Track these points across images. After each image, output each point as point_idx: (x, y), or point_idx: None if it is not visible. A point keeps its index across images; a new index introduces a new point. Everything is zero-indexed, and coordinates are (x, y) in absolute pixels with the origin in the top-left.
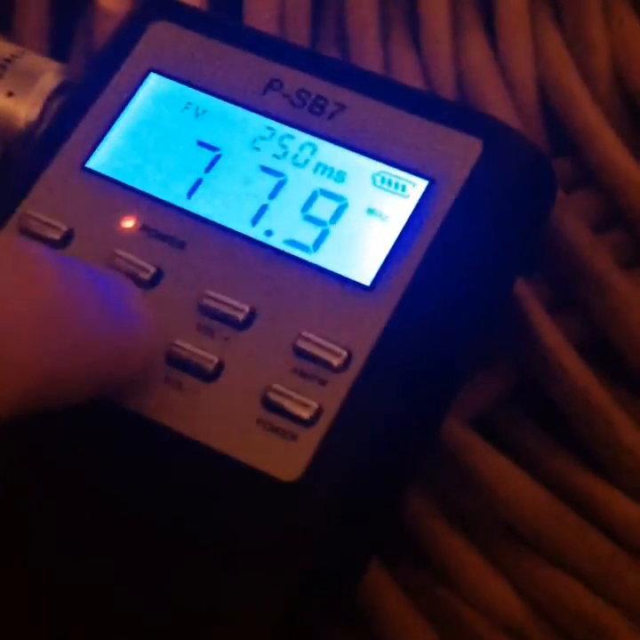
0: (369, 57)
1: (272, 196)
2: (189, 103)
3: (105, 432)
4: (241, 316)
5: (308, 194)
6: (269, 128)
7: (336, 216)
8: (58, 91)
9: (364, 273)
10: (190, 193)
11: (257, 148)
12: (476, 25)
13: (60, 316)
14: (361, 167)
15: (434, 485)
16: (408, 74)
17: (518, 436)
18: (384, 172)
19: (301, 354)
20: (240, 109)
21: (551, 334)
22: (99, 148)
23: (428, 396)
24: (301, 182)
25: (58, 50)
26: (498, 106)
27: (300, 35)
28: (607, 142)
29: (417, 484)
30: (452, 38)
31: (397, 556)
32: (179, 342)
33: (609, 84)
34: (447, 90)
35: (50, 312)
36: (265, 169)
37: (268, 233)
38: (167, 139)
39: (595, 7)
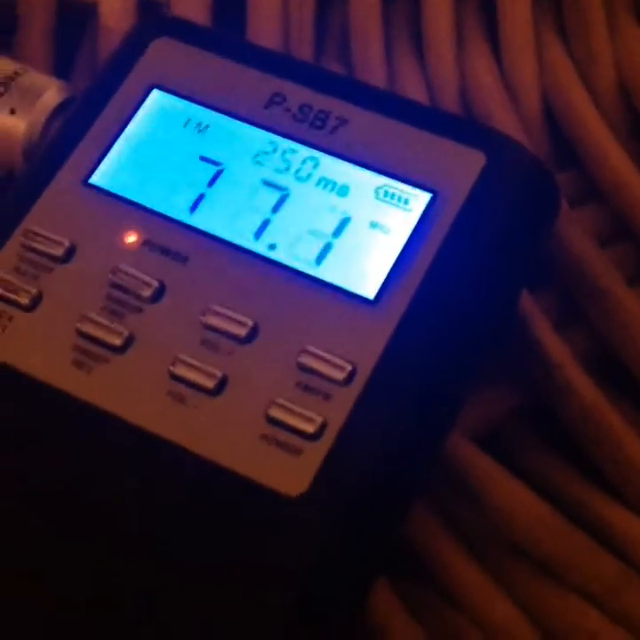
0: (373, 70)
1: (275, 210)
2: (191, 118)
3: (110, 446)
4: (244, 331)
5: (310, 208)
6: (272, 142)
7: (339, 230)
8: (60, 108)
9: (368, 286)
10: (193, 208)
11: (259, 163)
12: (480, 37)
13: None
14: (364, 181)
15: (440, 503)
16: (412, 86)
17: (525, 453)
18: (387, 185)
19: (305, 368)
20: (242, 124)
21: (558, 350)
22: (101, 163)
23: (433, 411)
24: (304, 196)
25: (61, 68)
26: (502, 118)
27: (303, 48)
28: (612, 156)
29: (423, 501)
30: (455, 50)
31: (404, 575)
32: (182, 357)
33: (613, 95)
34: (451, 102)
35: None
36: (267, 183)
37: (271, 247)
38: (169, 154)
39: (598, 18)
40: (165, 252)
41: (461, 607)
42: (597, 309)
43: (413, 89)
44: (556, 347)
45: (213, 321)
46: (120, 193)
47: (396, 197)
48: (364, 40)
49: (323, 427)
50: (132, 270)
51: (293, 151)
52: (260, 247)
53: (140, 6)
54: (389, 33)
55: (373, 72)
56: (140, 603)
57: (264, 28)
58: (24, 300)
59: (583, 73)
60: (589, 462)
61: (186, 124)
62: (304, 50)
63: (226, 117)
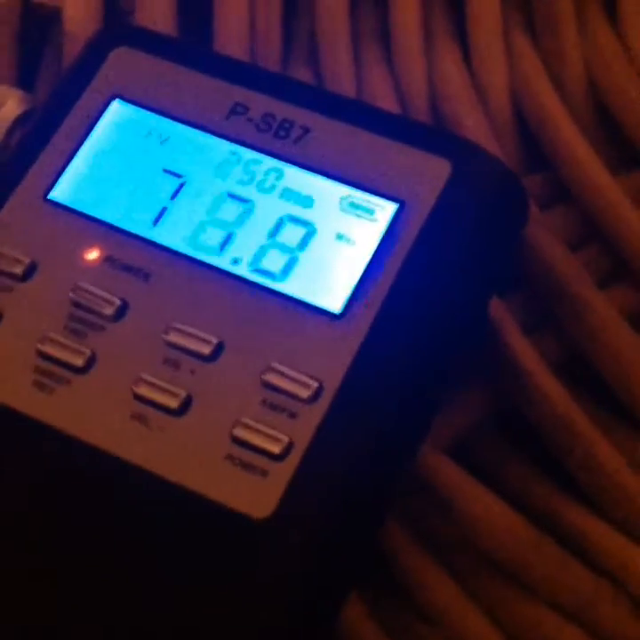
0: (341, 75)
1: (238, 223)
2: (153, 129)
3: (73, 470)
4: (208, 349)
5: (274, 220)
6: (234, 153)
7: (304, 242)
8: (20, 119)
9: (334, 300)
10: (155, 222)
11: (222, 175)
12: (449, 40)
13: None
14: (328, 191)
15: (411, 516)
16: (380, 90)
17: (497, 462)
18: (352, 195)
19: (270, 386)
20: (204, 135)
21: (529, 357)
22: (61, 178)
23: (402, 425)
24: (268, 208)
25: (26, 78)
26: (471, 122)
27: (270, 54)
28: (582, 157)
29: (394, 514)
30: (424, 53)
31: (376, 590)
32: (145, 376)
33: (583, 94)
34: (420, 107)
35: None
36: (231, 195)
37: (235, 261)
38: (131, 166)
39: (568, 19)
40: (127, 268)
41: (434, 621)
42: (568, 314)
43: (382, 94)
44: (526, 353)
45: (177, 339)
46: (81, 208)
47: (361, 208)
48: (332, 45)
49: (289, 446)
50: (93, 288)
51: (257, 162)
52: (223, 262)
53: (104, 13)
54: (357, 38)
55: (341, 77)
56: (107, 633)
57: (230, 34)
58: None
59: (553, 72)
60: (562, 470)
61: (147, 136)
62: (271, 55)
63: (188, 128)
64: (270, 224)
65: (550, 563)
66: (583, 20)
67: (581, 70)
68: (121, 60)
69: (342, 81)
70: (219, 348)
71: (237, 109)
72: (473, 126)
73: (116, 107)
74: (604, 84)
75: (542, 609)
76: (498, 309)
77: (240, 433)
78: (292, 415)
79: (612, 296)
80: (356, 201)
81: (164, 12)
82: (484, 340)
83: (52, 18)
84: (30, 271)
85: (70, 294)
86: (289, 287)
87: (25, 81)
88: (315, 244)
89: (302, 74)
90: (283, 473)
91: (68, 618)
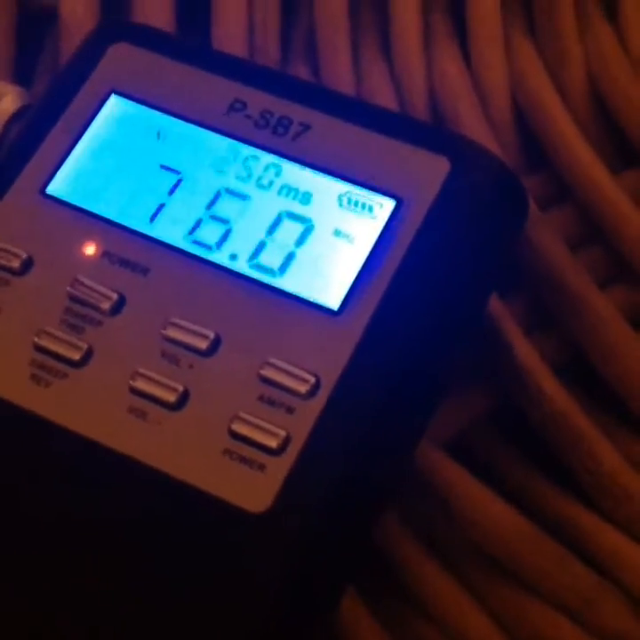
0: (340, 73)
1: (236, 219)
2: (151, 125)
3: (69, 463)
4: (205, 344)
5: (272, 216)
6: (233, 149)
7: (302, 238)
8: (17, 115)
9: (332, 296)
10: (153, 217)
11: (220, 171)
12: (449, 38)
13: None
14: (327, 188)
15: (411, 512)
16: (379, 88)
17: (496, 461)
18: (350, 192)
19: (268, 381)
20: (202, 131)
21: (528, 356)
22: (58, 172)
23: (400, 421)
24: (266, 204)
25: (23, 74)
26: (471, 121)
27: (269, 51)
28: (582, 157)
29: (392, 511)
30: (423, 51)
31: (375, 587)
32: (142, 371)
33: (583, 94)
34: (420, 105)
35: None
36: (229, 191)
37: (233, 257)
38: (128, 162)
39: (568, 18)
40: (125, 263)
41: (434, 619)
42: (568, 313)
43: (381, 92)
44: (527, 352)
45: (174, 333)
46: (78, 203)
47: (359, 205)
48: (331, 42)
49: (286, 441)
50: (90, 282)
51: (255, 158)
52: (221, 257)
53: (101, 9)
54: (357, 36)
55: (340, 75)
56: (103, 627)
57: (229, 32)
58: None
59: (553, 72)
60: (561, 468)
61: (145, 131)
62: (270, 53)
63: (186, 124)
64: (268, 220)
65: (550, 561)
66: (583, 20)
67: (582, 70)
68: (119, 55)
69: (341, 78)
70: (216, 343)
71: (236, 106)
72: (472, 125)
73: (113, 102)
74: (604, 83)
75: (542, 607)
76: (498, 309)
77: (237, 427)
78: (290, 410)
79: (613, 295)
80: (354, 197)
81: (162, 8)
82: (482, 337)
83: (49, 14)
84: (27, 265)
85: (67, 288)
86: (287, 283)
87: (22, 77)
88: (313, 240)
89: (301, 71)
90: (280, 467)
91: (68, 608)
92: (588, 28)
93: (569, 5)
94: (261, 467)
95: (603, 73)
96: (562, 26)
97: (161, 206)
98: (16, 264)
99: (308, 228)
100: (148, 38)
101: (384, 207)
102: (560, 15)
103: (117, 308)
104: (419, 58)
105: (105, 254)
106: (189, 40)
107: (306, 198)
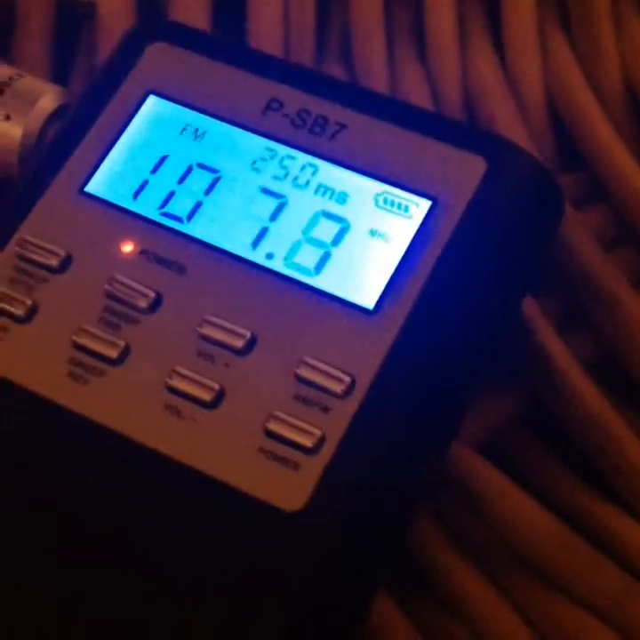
0: (375, 72)
1: (273, 218)
2: (188, 125)
3: (106, 460)
4: (241, 342)
5: (309, 216)
6: (269, 149)
7: (338, 238)
8: (56, 114)
9: (367, 296)
10: (190, 216)
11: (257, 170)
12: (484, 37)
13: None
14: (363, 188)
15: (443, 513)
16: (414, 88)
17: (529, 461)
18: (386, 192)
19: (303, 380)
20: (239, 130)
21: (562, 356)
22: (97, 171)
23: (434, 422)
24: (302, 204)
25: (60, 72)
26: (505, 121)
27: (304, 50)
28: (618, 158)
29: (425, 511)
30: (458, 52)
31: (406, 587)
32: (179, 369)
33: (619, 93)
34: (454, 104)
35: None
36: (265, 191)
37: (269, 256)
38: (166, 161)
39: (604, 19)
40: (162, 261)
41: (465, 619)
42: (602, 314)
43: (416, 91)
44: (561, 353)
45: (210, 332)
46: (116, 202)
47: (395, 205)
48: (366, 42)
49: (321, 440)
50: (128, 280)
51: (291, 158)
52: (257, 256)
53: (139, 7)
54: (392, 34)
55: (375, 74)
56: (135, 620)
57: (264, 31)
58: (19, 312)
59: (588, 71)
60: (594, 470)
61: (182, 131)
62: (305, 52)
63: (223, 123)
64: (305, 219)
65: (581, 562)
66: (618, 16)
67: (617, 66)
68: (157, 55)
69: (376, 77)
70: (252, 342)
71: (273, 105)
72: (508, 125)
73: (151, 102)
74: (639, 79)
75: (572, 607)
76: (532, 309)
77: (273, 426)
78: (325, 409)
79: None
80: (390, 197)
81: (199, 7)
82: (514, 338)
83: (87, 13)
84: (66, 263)
85: (105, 286)
86: (322, 282)
87: (59, 76)
88: (348, 239)
89: (336, 70)
90: (315, 467)
91: (99, 602)
92: (623, 24)
93: (604, 5)
94: (296, 466)
95: (638, 72)
96: (597, 22)
97: (198, 205)
98: (55, 262)
99: (344, 228)
100: (185, 37)
101: (420, 207)
102: (595, 11)
103: (154, 306)
104: (453, 56)
105: (142, 253)
106: (227, 39)
107: (342, 198)
